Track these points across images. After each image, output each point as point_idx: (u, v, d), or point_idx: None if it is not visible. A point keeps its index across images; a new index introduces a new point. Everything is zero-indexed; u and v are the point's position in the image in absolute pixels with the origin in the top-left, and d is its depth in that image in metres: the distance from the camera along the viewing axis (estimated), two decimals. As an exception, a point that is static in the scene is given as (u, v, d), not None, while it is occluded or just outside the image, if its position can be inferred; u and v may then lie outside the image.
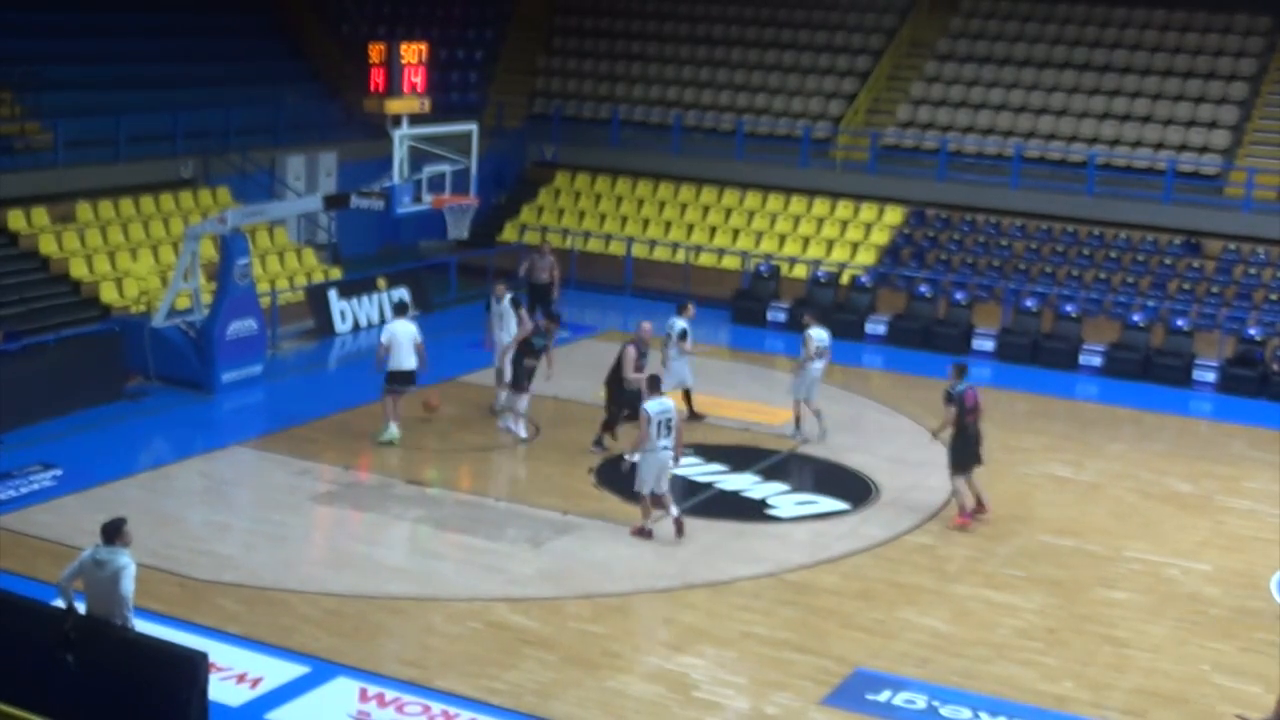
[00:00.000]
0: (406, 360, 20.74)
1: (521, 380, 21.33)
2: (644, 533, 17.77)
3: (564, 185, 35.02)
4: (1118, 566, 17.63)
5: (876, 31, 36.06)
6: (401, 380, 20.86)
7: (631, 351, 20.77)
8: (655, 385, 18.02)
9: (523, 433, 21.41)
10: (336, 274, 29.21)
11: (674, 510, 17.81)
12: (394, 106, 22.03)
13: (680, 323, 22.21)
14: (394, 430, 20.86)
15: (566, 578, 16.60)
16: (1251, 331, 27.04)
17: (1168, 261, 29.81)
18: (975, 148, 32.52)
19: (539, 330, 21.76)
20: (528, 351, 21.36)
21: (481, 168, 23.91)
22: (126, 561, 12.33)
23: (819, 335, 21.75)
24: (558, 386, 23.52)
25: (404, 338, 20.75)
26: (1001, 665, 14.88)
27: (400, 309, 21.62)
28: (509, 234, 33.69)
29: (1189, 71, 32.91)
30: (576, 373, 24.87)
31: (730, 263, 31.76)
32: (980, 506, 18.82)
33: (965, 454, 18.64)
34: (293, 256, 29.49)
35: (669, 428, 17.47)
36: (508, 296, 22.64)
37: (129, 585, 12.35)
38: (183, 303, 24.01)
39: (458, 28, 38.72)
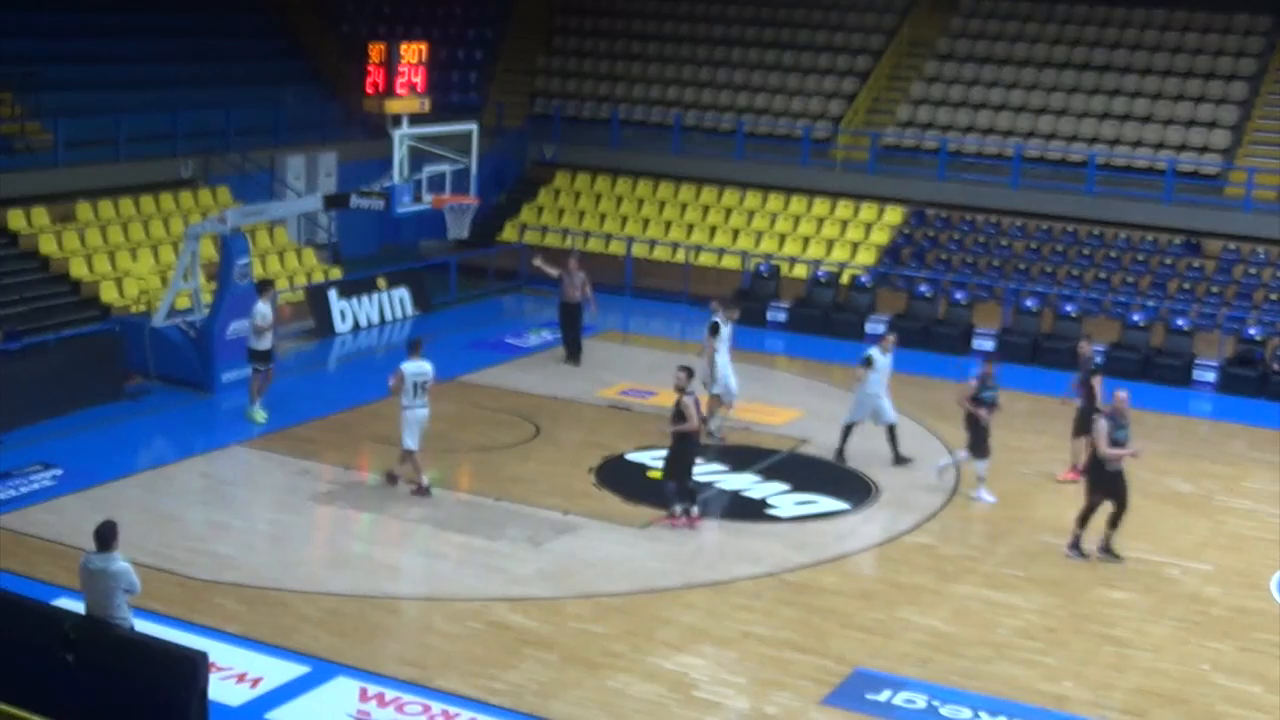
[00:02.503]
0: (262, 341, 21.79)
1: (983, 441, 19.45)
2: (421, 490, 18.66)
3: (564, 185, 35.00)
4: (1118, 566, 17.62)
5: (876, 31, 36.03)
6: (261, 359, 21.77)
7: (1104, 425, 17.57)
8: (416, 349, 18.81)
9: (989, 498, 19.52)
10: (336, 274, 29.20)
11: (397, 470, 18.79)
12: (394, 106, 22.04)
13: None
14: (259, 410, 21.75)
15: (566, 578, 16.59)
16: (1251, 331, 27.03)
17: (1168, 261, 29.80)
18: (975, 148, 32.50)
19: (985, 382, 19.62)
20: (980, 405, 19.45)
21: (481, 168, 23.90)
22: (124, 565, 12.36)
23: None
24: (558, 386, 23.53)
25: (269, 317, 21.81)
26: (1001, 665, 14.88)
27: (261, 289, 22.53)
28: (509, 234, 33.67)
29: (1189, 71, 32.88)
30: (577, 373, 24.88)
31: (730, 263, 31.75)
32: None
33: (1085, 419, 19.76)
34: (293, 256, 29.48)
35: (423, 389, 18.53)
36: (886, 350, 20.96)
37: (135, 581, 12.41)
38: (183, 302, 24.01)
39: (458, 28, 38.72)
